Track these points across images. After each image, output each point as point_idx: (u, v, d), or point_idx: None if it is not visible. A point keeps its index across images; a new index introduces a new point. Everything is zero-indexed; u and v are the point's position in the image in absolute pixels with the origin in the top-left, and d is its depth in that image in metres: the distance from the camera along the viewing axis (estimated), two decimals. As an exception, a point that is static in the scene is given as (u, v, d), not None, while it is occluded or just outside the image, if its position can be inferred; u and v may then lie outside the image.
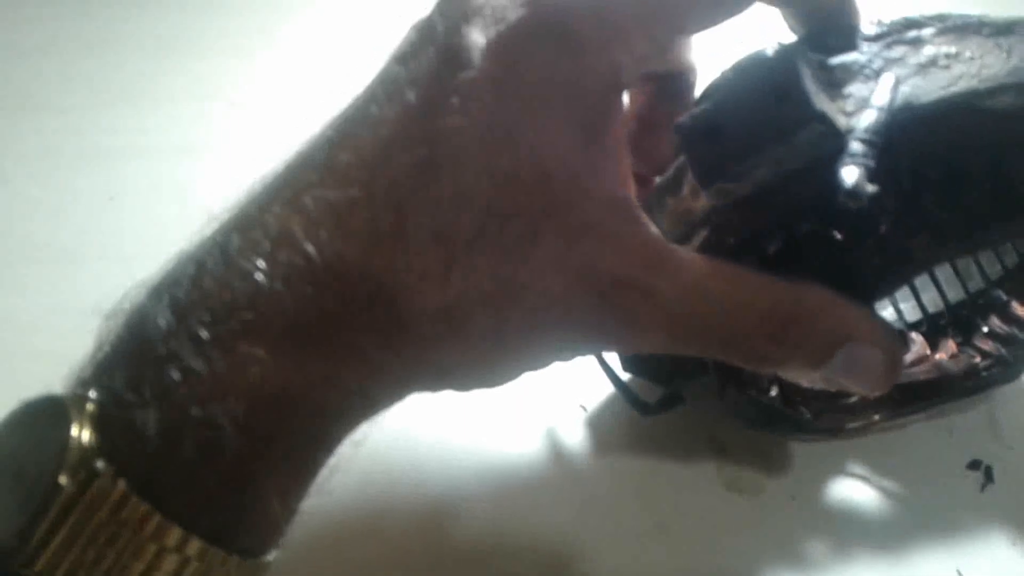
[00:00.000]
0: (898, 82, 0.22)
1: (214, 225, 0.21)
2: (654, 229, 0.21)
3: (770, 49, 0.22)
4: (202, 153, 0.44)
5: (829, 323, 0.22)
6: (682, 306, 0.21)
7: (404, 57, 0.22)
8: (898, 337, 0.23)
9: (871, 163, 0.20)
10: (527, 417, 0.34)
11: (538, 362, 0.22)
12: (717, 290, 0.21)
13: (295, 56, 0.50)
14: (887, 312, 0.34)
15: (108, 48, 0.50)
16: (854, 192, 0.19)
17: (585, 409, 0.35)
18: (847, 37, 0.24)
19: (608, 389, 0.34)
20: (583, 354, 0.23)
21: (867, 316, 0.22)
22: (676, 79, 0.28)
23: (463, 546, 0.31)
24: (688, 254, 0.22)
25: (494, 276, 0.20)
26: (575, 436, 0.34)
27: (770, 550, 0.31)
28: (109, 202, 0.42)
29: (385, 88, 0.21)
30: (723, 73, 0.24)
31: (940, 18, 0.25)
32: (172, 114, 0.47)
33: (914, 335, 0.33)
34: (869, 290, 0.24)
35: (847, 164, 0.20)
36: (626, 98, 0.29)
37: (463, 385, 0.22)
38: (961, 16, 0.24)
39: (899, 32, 0.24)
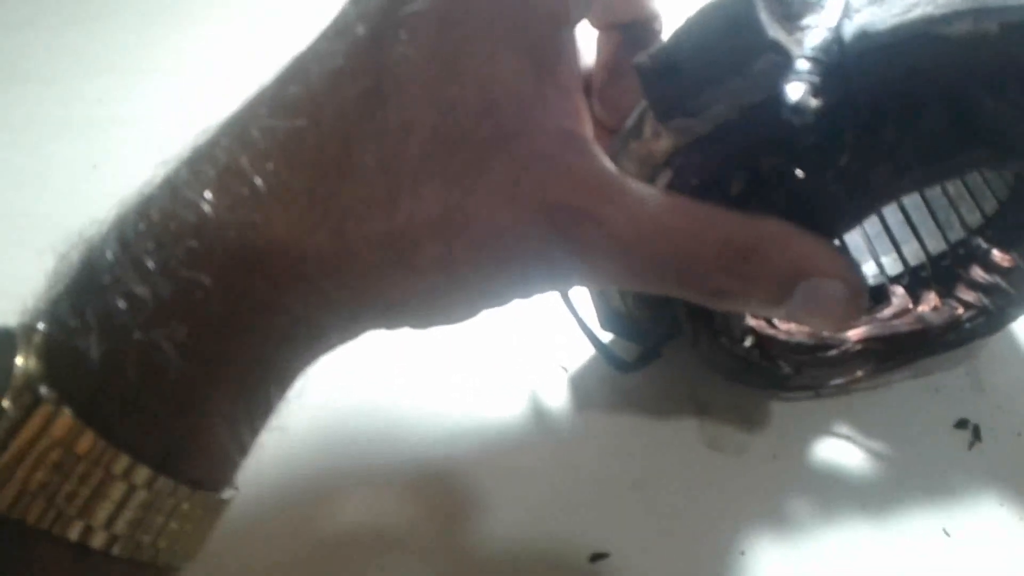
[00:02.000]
0: (848, 4, 0.21)
1: (169, 165, 0.21)
2: (607, 162, 0.21)
3: (713, 6, 0.22)
4: (184, 123, 0.44)
5: (788, 256, 0.21)
6: (636, 238, 0.21)
7: None
8: (859, 270, 0.23)
9: (816, 79, 0.19)
10: (508, 378, 0.35)
11: (493, 297, 0.22)
12: (672, 222, 0.21)
13: (279, 26, 0.51)
14: (869, 265, 0.33)
15: (92, 20, 0.51)
16: (798, 107, 0.19)
17: (566, 370, 0.35)
18: None
19: (589, 351, 0.34)
20: (540, 291, 0.23)
21: (826, 249, 0.22)
22: (641, 28, 0.28)
23: (443, 507, 0.31)
24: (641, 186, 0.21)
25: (441, 205, 0.20)
26: (557, 397, 0.34)
27: (752, 509, 0.31)
28: (92, 170, 0.43)
29: (336, 25, 0.21)
30: (687, 19, 0.23)
31: None
32: (156, 84, 0.47)
33: (896, 288, 0.32)
34: (831, 225, 0.24)
35: (791, 81, 0.19)
36: (591, 47, 0.29)
37: (417, 320, 0.22)
38: None
39: None
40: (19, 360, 0.18)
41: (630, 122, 0.25)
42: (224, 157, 0.20)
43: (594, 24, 0.28)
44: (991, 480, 0.31)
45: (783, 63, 0.21)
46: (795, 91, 0.19)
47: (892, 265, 0.33)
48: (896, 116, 0.22)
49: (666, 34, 0.28)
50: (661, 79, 0.23)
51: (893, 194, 0.24)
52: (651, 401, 0.33)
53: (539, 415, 0.33)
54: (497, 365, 0.35)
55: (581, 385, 0.34)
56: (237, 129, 0.20)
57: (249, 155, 0.20)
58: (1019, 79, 0.23)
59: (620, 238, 0.21)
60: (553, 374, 0.34)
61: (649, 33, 0.28)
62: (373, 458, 0.32)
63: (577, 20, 0.22)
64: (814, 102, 0.19)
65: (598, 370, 0.33)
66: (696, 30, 0.23)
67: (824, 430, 0.33)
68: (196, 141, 0.21)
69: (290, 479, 0.31)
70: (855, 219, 0.24)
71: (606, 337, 0.33)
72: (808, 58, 0.20)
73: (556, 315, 0.32)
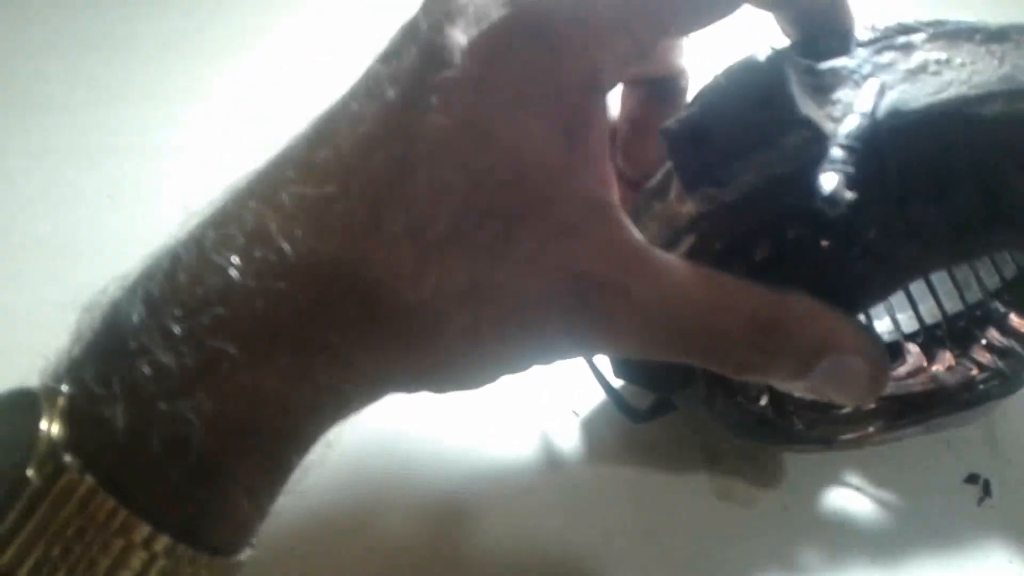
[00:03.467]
0: (883, 87, 0.21)
1: (193, 221, 0.21)
2: (635, 232, 0.21)
3: (759, 54, 0.22)
4: (202, 153, 0.45)
5: (812, 332, 0.22)
6: (661, 309, 0.21)
7: (387, 56, 0.22)
8: (884, 348, 0.23)
9: (851, 169, 0.19)
10: (520, 422, 0.34)
11: (516, 364, 0.22)
12: (697, 294, 0.21)
13: (296, 56, 0.51)
14: (884, 322, 0.33)
15: (110, 48, 0.51)
16: (832, 199, 0.19)
17: (578, 415, 0.35)
18: (840, 42, 0.24)
19: (601, 396, 0.34)
20: (562, 358, 0.23)
21: (851, 325, 0.22)
22: (667, 83, 0.28)
23: (452, 551, 0.31)
24: (668, 257, 0.22)
25: (469, 274, 0.20)
26: (568, 442, 0.34)
27: (762, 560, 0.31)
28: (108, 200, 0.43)
29: (367, 86, 0.21)
30: (714, 78, 0.23)
31: (934, 24, 0.24)
32: (173, 114, 0.47)
33: (911, 346, 0.32)
34: (856, 299, 0.24)
35: (826, 170, 0.19)
36: (616, 102, 0.29)
37: (439, 386, 0.22)
38: (956, 22, 0.24)
39: (891, 37, 0.24)
40: (43, 425, 0.18)
41: (655, 182, 0.25)
42: (252, 221, 0.20)
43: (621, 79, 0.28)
44: (1001, 536, 0.31)
45: (814, 139, 0.21)
46: (830, 181, 0.19)
47: (908, 323, 0.33)
48: (926, 193, 0.22)
49: (692, 91, 0.28)
50: (689, 147, 0.23)
51: (920, 271, 0.24)
52: (662, 450, 0.33)
53: (550, 459, 0.33)
54: (509, 408, 0.35)
55: (593, 431, 0.34)
56: (265, 191, 0.20)
57: (277, 220, 0.19)
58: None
59: (645, 311, 0.21)
60: (565, 419, 0.34)
61: (674, 89, 0.28)
62: (382, 496, 0.33)
63: (610, 88, 0.22)
64: (849, 194, 0.19)
65: (610, 417, 0.33)
66: (725, 99, 0.23)
67: (835, 481, 0.33)
68: (223, 199, 0.21)
69: (298, 516, 0.31)
70: (881, 294, 0.24)
71: (619, 383, 0.33)
72: (843, 146, 0.20)
73: (569, 360, 0.32)
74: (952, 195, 0.22)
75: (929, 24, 0.24)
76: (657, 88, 0.28)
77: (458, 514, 0.32)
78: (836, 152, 0.20)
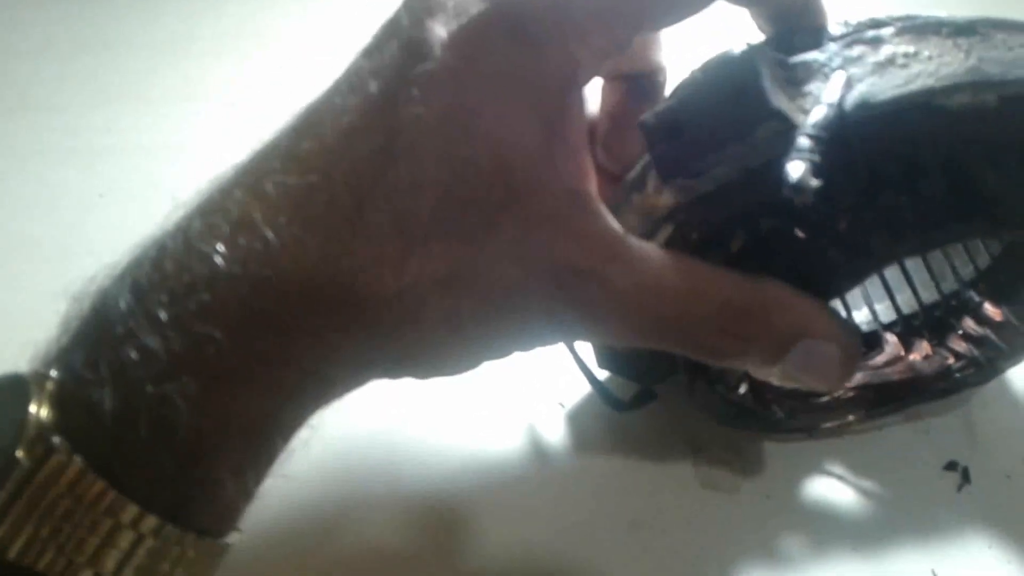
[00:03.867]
0: (850, 80, 0.22)
1: (180, 211, 0.21)
2: (612, 222, 0.22)
3: (734, 49, 0.23)
4: (193, 152, 0.45)
5: (784, 318, 0.22)
6: (638, 297, 0.21)
7: (369, 51, 0.22)
8: (855, 334, 0.24)
9: (817, 158, 0.20)
10: (506, 414, 0.35)
11: (496, 351, 0.22)
12: (673, 282, 0.22)
13: (287, 57, 0.51)
14: (862, 312, 0.34)
15: (102, 49, 0.51)
16: (798, 187, 0.19)
17: (564, 407, 0.35)
18: (813, 37, 0.25)
19: (587, 388, 0.34)
20: (542, 344, 0.23)
21: (823, 312, 0.23)
22: (645, 79, 0.28)
23: (439, 543, 0.31)
24: (645, 246, 0.22)
25: (450, 262, 0.20)
26: (554, 433, 0.34)
27: (745, 548, 0.31)
28: (99, 199, 0.43)
29: (349, 80, 0.22)
30: (690, 73, 0.24)
31: (903, 18, 0.25)
32: (164, 114, 0.48)
33: (888, 336, 0.33)
34: (829, 286, 0.24)
35: (793, 159, 0.20)
36: (595, 95, 0.30)
37: (421, 372, 0.22)
38: (924, 16, 0.25)
39: (861, 31, 0.24)
40: (32, 409, 0.19)
41: (633, 174, 0.26)
42: (237, 210, 0.20)
43: (599, 73, 0.29)
44: (980, 522, 0.32)
45: (785, 130, 0.21)
46: (796, 169, 0.19)
47: (885, 312, 0.33)
48: (895, 183, 0.23)
49: (670, 86, 0.28)
50: (665, 139, 0.23)
51: (890, 258, 0.25)
52: (646, 440, 0.34)
53: (536, 451, 0.34)
54: (495, 400, 0.35)
55: (578, 422, 0.34)
56: (250, 181, 0.21)
57: (262, 209, 0.20)
58: (1016, 150, 0.23)
59: (623, 297, 0.21)
60: (551, 410, 0.35)
61: (653, 85, 0.28)
62: (368, 491, 0.33)
63: (587, 81, 0.23)
64: (814, 182, 0.19)
65: (595, 408, 0.34)
66: (701, 93, 0.23)
67: (816, 469, 0.33)
68: (209, 189, 0.21)
69: (287, 512, 0.32)
70: (852, 281, 0.24)
71: (603, 375, 0.33)
72: (810, 136, 0.20)
73: (554, 352, 0.33)
74: (920, 185, 0.23)
75: (899, 19, 0.25)
76: (636, 83, 0.28)
77: (445, 506, 0.32)
78: (803, 141, 0.20)
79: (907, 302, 0.33)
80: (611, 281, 0.21)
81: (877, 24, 0.24)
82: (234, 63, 0.51)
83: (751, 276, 0.22)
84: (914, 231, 0.23)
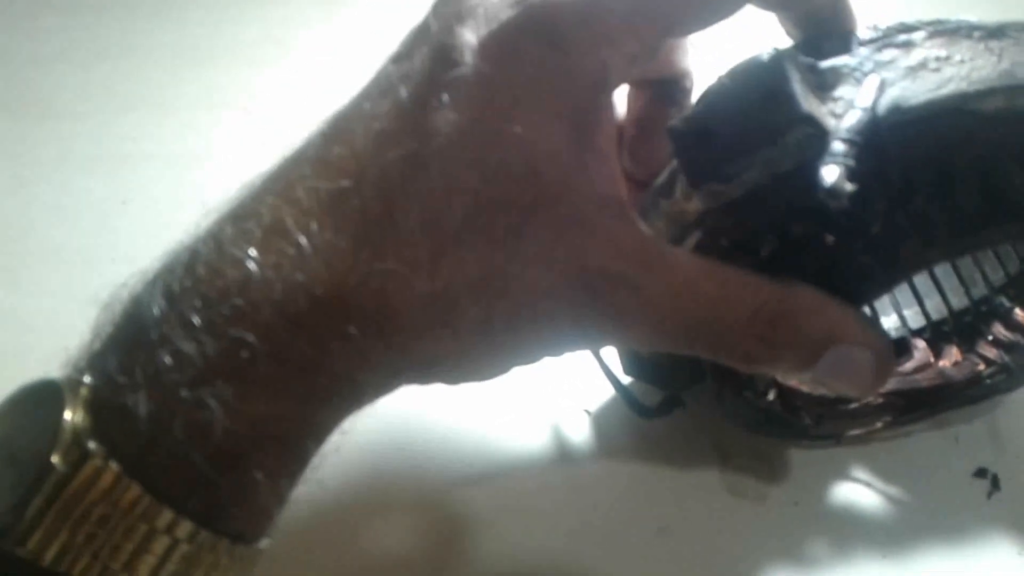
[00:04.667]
0: (883, 83, 0.22)
1: (211, 218, 0.21)
2: (643, 227, 0.22)
3: (762, 54, 0.23)
4: (215, 159, 0.45)
5: (817, 324, 0.22)
6: (670, 303, 0.21)
7: (399, 57, 0.22)
8: (888, 339, 0.24)
9: (852, 162, 0.20)
10: (532, 419, 0.35)
11: (527, 356, 0.22)
12: (705, 288, 0.22)
13: (308, 65, 0.51)
14: (891, 319, 0.34)
15: (124, 56, 0.52)
16: (834, 191, 0.19)
17: (589, 412, 0.35)
18: (842, 42, 0.25)
19: (612, 393, 0.34)
20: (572, 350, 0.23)
21: (856, 317, 0.23)
22: (673, 84, 0.28)
23: (464, 545, 0.32)
24: (676, 251, 0.22)
25: (482, 267, 0.20)
26: (579, 439, 0.34)
27: (772, 555, 0.31)
28: (122, 206, 0.44)
29: (379, 85, 0.22)
30: (718, 78, 0.24)
31: (934, 23, 0.25)
32: (186, 121, 0.48)
33: (917, 342, 0.33)
34: (860, 292, 0.24)
35: (828, 164, 0.20)
36: (621, 101, 0.30)
37: (452, 377, 0.22)
38: (956, 20, 0.24)
39: (892, 36, 0.24)
40: (67, 414, 0.19)
41: (661, 179, 0.25)
42: (269, 215, 0.20)
43: (628, 78, 0.29)
44: (1009, 530, 0.32)
45: (816, 135, 0.21)
46: (831, 174, 0.19)
47: (914, 319, 0.33)
48: (927, 188, 0.23)
49: (696, 91, 0.28)
50: (694, 145, 0.23)
51: (922, 264, 0.24)
52: (672, 446, 0.34)
53: (562, 456, 0.34)
54: (521, 404, 0.35)
55: (603, 428, 0.34)
56: (281, 187, 0.21)
57: (294, 214, 0.20)
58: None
59: (654, 304, 0.21)
60: (576, 416, 0.35)
61: (680, 90, 0.28)
62: (394, 490, 0.33)
63: (617, 86, 0.23)
64: (849, 186, 0.19)
65: (620, 414, 0.34)
66: (729, 98, 0.23)
67: (843, 476, 0.33)
68: (240, 195, 0.22)
69: (315, 515, 0.32)
70: (884, 287, 0.24)
71: (629, 381, 0.33)
72: (844, 140, 0.20)
73: (580, 357, 0.33)
74: (953, 190, 0.23)
75: (929, 23, 0.25)
76: (663, 89, 0.28)
77: (469, 508, 0.32)
78: (837, 146, 0.20)
79: (936, 308, 0.33)
80: (643, 287, 0.21)
81: (908, 28, 0.24)
82: (258, 71, 0.51)
83: (783, 281, 0.22)
84: (946, 237, 0.23)
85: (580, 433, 0.34)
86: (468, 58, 0.21)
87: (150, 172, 0.45)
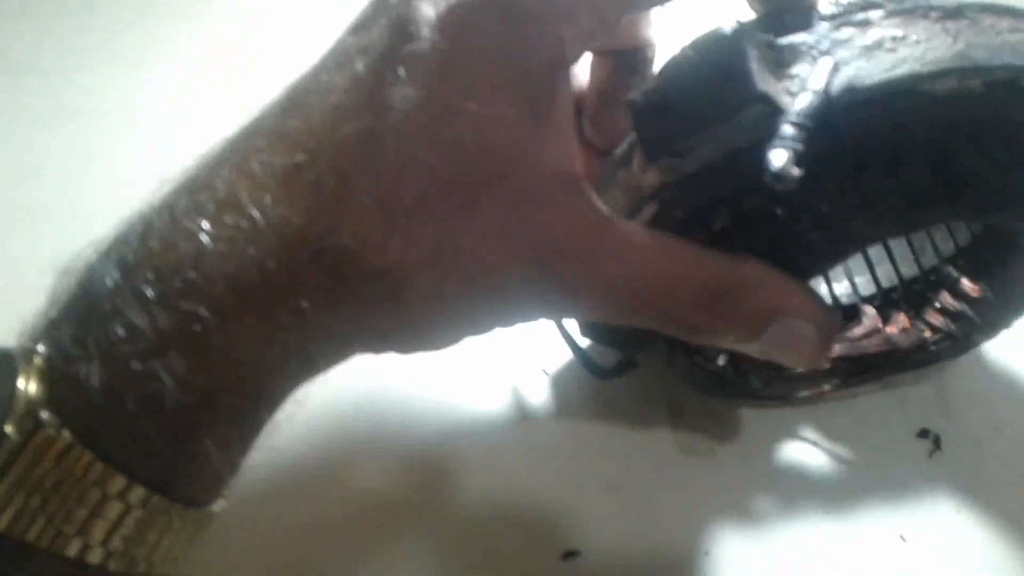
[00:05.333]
0: (837, 65, 0.22)
1: (166, 188, 0.21)
2: (597, 202, 0.22)
3: (721, 28, 0.23)
4: (180, 115, 0.45)
5: (762, 297, 0.23)
6: (620, 277, 0.22)
7: (357, 28, 0.22)
8: (832, 313, 0.24)
9: (800, 146, 0.20)
10: (491, 379, 0.36)
11: (478, 328, 0.23)
12: (654, 262, 0.22)
13: (275, 23, 0.50)
14: (843, 285, 0.34)
15: (86, 11, 0.51)
16: (780, 175, 0.20)
17: (547, 373, 0.36)
18: (804, 17, 0.25)
19: (570, 355, 0.35)
20: (523, 321, 0.23)
21: (801, 291, 0.23)
22: (635, 54, 0.28)
23: (422, 502, 0.32)
24: (629, 226, 0.22)
25: (435, 242, 0.20)
26: (537, 398, 0.35)
27: (720, 510, 0.32)
28: (86, 161, 0.43)
29: (337, 57, 0.22)
30: (679, 51, 0.24)
31: (894, 0, 0.25)
32: (148, 77, 0.47)
33: (867, 308, 0.33)
34: (810, 266, 0.25)
35: (776, 147, 0.20)
36: (584, 70, 0.30)
37: (403, 347, 0.23)
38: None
39: (851, 13, 0.24)
40: (20, 383, 0.19)
41: (620, 150, 0.26)
42: (223, 188, 0.20)
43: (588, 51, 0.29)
44: (949, 488, 0.33)
45: (771, 113, 0.22)
46: (778, 158, 0.20)
47: (865, 286, 0.34)
48: (878, 167, 0.23)
49: (659, 61, 0.28)
50: (651, 120, 0.23)
51: (870, 240, 0.25)
52: (626, 406, 0.35)
53: (519, 415, 0.35)
54: (481, 365, 0.36)
55: (561, 388, 0.35)
56: (236, 159, 0.21)
57: (248, 188, 0.20)
58: (1000, 136, 0.23)
59: (604, 278, 0.22)
60: (535, 376, 0.36)
61: (641, 60, 0.28)
62: (356, 449, 0.34)
63: (574, 61, 0.23)
64: (796, 171, 0.20)
65: (578, 375, 0.34)
66: (688, 73, 0.23)
67: (791, 435, 0.34)
68: (196, 166, 0.22)
69: (274, 469, 0.32)
70: (832, 261, 0.25)
71: (586, 343, 0.34)
72: (794, 123, 0.20)
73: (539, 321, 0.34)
74: (905, 169, 0.23)
75: (889, 0, 0.25)
76: (625, 59, 0.28)
77: (430, 466, 0.33)
78: (787, 129, 0.20)
79: (887, 276, 0.34)
80: (594, 262, 0.21)
81: (867, 5, 0.24)
82: (219, 28, 0.50)
83: (731, 256, 0.23)
84: (895, 214, 0.24)
85: (537, 392, 0.35)
86: (426, 33, 0.20)
87: (113, 128, 0.45)
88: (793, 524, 0.32)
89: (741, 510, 0.32)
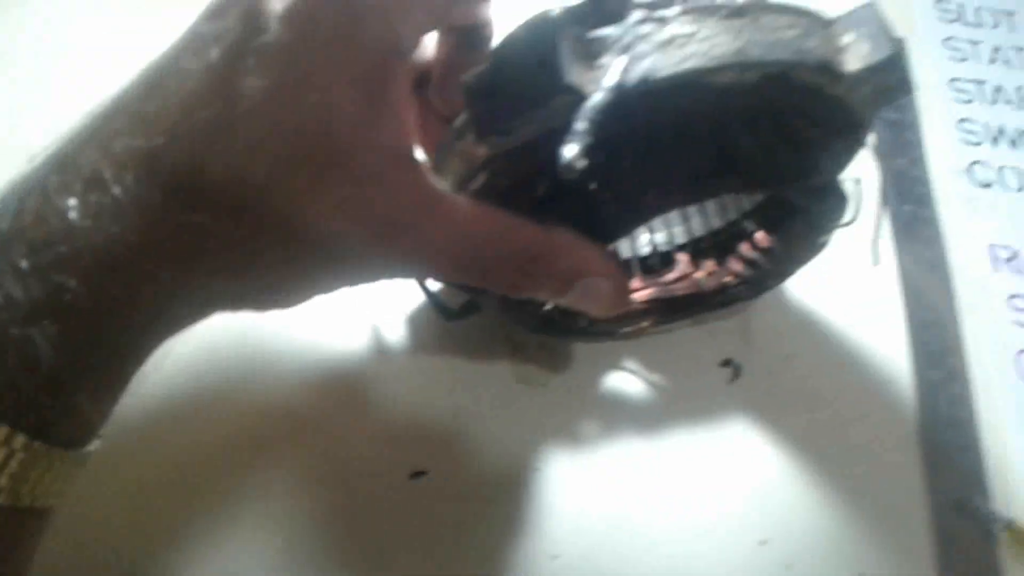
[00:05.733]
0: (633, 59, 0.26)
1: (37, 162, 0.23)
2: (429, 178, 0.25)
3: (544, 15, 0.26)
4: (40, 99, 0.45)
5: (569, 261, 0.27)
6: (449, 245, 0.25)
7: (212, 15, 0.24)
8: (623, 273, 0.29)
9: (589, 139, 0.24)
10: (352, 319, 0.39)
11: (326, 290, 0.26)
12: (478, 231, 0.26)
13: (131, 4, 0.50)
14: (663, 234, 0.39)
15: None
16: (567, 166, 0.23)
17: (404, 314, 0.39)
18: (620, 2, 0.28)
19: (423, 298, 0.38)
20: (368, 282, 0.27)
21: (600, 255, 0.27)
22: (474, 32, 0.31)
23: (286, 432, 0.36)
24: (457, 200, 0.26)
25: (281, 219, 0.23)
26: (394, 336, 0.39)
27: (551, 434, 0.37)
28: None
29: (193, 43, 0.23)
30: (511, 33, 0.27)
31: None
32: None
33: (680, 256, 0.38)
34: (614, 230, 0.29)
35: (568, 141, 0.24)
36: (429, 48, 0.32)
37: (258, 308, 0.26)
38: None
39: (656, 8, 0.28)
40: None
41: (459, 123, 0.29)
42: (88, 168, 0.22)
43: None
44: (746, 409, 0.39)
45: (577, 101, 0.25)
46: (568, 151, 0.23)
47: (680, 236, 0.38)
48: (668, 148, 0.27)
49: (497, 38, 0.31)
50: (481, 100, 0.27)
51: (661, 210, 0.29)
52: (473, 342, 0.39)
53: (378, 350, 0.38)
54: (345, 308, 0.39)
55: (415, 327, 0.39)
56: (100, 138, 0.23)
57: (111, 168, 0.22)
58: (770, 121, 0.28)
59: (435, 245, 0.25)
60: (393, 316, 0.39)
61: (480, 37, 0.31)
62: (219, 391, 0.37)
63: (411, 49, 0.25)
64: (581, 163, 0.23)
65: (430, 315, 0.38)
66: (511, 58, 0.26)
67: (615, 366, 0.39)
68: (64, 144, 0.23)
69: (148, 414, 0.35)
70: (633, 226, 0.29)
71: (437, 287, 0.37)
72: (585, 119, 0.24)
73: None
74: (691, 150, 0.27)
75: (691, -7, 0.29)
76: (465, 36, 0.31)
77: (294, 399, 0.36)
78: (578, 125, 0.24)
79: (699, 227, 0.38)
80: (424, 231, 0.25)
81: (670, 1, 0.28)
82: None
83: (543, 226, 0.27)
84: (682, 188, 0.28)
85: (395, 331, 0.39)
86: (273, 25, 0.23)
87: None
88: (612, 443, 0.37)
89: (568, 432, 0.37)
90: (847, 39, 0.28)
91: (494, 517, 0.35)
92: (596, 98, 0.24)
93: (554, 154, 0.27)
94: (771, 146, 0.28)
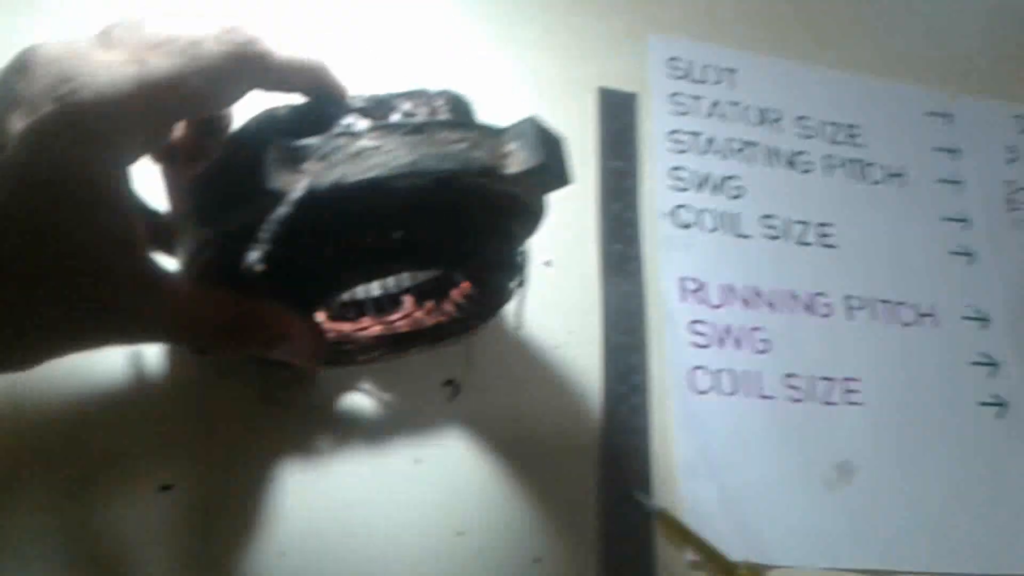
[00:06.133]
0: (324, 171, 0.31)
1: None
2: (151, 264, 0.31)
3: (272, 112, 0.32)
4: None
5: (272, 328, 0.34)
6: (171, 320, 0.32)
7: None
8: (320, 334, 0.36)
9: (269, 247, 0.30)
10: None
11: (59, 356, 0.31)
12: (193, 308, 0.32)
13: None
14: (393, 281, 0.46)
15: None
16: (248, 268, 0.30)
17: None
18: (336, 105, 0.35)
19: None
20: (101, 348, 0.32)
21: (298, 321, 0.34)
22: (212, 121, 0.37)
23: (42, 453, 0.40)
24: (177, 281, 0.32)
25: (14, 304, 0.29)
26: (149, 358, 0.42)
27: (291, 448, 0.43)
28: None
29: None
30: (243, 125, 0.33)
31: (411, 94, 0.35)
32: None
33: (406, 297, 0.45)
34: (323, 296, 0.36)
35: (252, 247, 0.30)
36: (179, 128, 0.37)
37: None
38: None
39: (366, 114, 0.35)
40: None
41: (188, 208, 0.35)
42: None
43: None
44: (459, 423, 0.46)
45: (279, 203, 0.32)
46: (251, 256, 0.30)
47: (407, 280, 0.45)
48: (357, 238, 0.34)
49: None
50: (204, 191, 0.33)
51: (353, 285, 0.37)
52: (223, 364, 0.43)
53: (134, 372, 0.42)
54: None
55: (171, 351, 0.43)
56: None
57: None
58: (440, 215, 0.35)
59: (157, 323, 0.31)
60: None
61: (217, 127, 0.37)
62: None
63: (135, 160, 0.31)
64: (260, 267, 0.30)
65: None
66: (233, 156, 0.33)
67: (352, 387, 0.45)
68: None
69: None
70: (336, 294, 0.36)
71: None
72: (267, 229, 0.30)
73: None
74: (376, 239, 0.34)
75: (403, 95, 0.36)
76: (205, 124, 0.37)
77: (52, 415, 0.40)
78: (262, 234, 0.30)
79: (424, 274, 0.45)
80: (146, 312, 0.31)
81: (385, 104, 0.35)
82: None
83: (250, 301, 0.33)
84: (369, 268, 0.35)
85: (150, 354, 0.42)
86: (11, 145, 0.28)
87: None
88: (343, 455, 0.43)
89: (305, 447, 0.43)
90: (510, 147, 0.35)
91: (231, 523, 0.40)
92: (280, 211, 0.31)
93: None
94: (443, 234, 0.36)
